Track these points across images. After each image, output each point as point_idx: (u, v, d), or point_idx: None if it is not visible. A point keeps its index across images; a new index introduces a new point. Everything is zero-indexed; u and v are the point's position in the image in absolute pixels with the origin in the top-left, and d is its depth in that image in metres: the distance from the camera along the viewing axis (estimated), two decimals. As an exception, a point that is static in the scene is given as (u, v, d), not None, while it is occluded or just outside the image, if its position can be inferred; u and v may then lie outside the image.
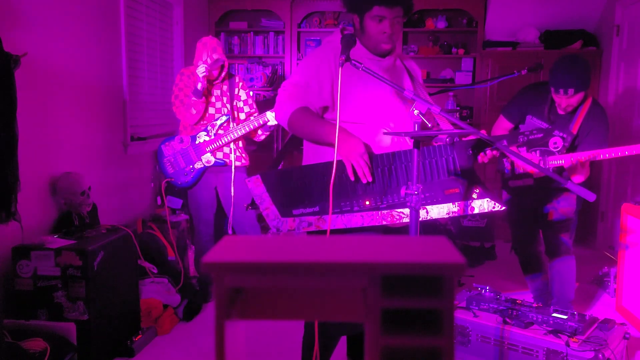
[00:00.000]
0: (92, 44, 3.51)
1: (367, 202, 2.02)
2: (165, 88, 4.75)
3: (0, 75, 2.43)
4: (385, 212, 2.02)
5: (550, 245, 3.26)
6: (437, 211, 2.04)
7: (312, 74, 2.10)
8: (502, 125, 3.25)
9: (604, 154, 2.85)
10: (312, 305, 0.94)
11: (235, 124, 3.54)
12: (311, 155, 2.20)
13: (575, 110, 3.01)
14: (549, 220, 3.21)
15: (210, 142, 3.52)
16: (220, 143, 3.52)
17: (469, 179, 2.03)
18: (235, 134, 3.50)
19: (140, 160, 4.22)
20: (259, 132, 3.62)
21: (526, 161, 1.89)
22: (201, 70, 3.35)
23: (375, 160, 2.01)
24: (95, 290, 2.66)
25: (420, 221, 1.94)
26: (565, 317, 2.43)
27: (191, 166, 3.56)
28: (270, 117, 3.44)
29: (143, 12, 4.28)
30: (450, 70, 5.71)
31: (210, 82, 3.51)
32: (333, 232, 2.02)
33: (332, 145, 2.01)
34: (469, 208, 2.04)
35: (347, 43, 1.94)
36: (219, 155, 3.55)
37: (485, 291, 2.71)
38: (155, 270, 3.48)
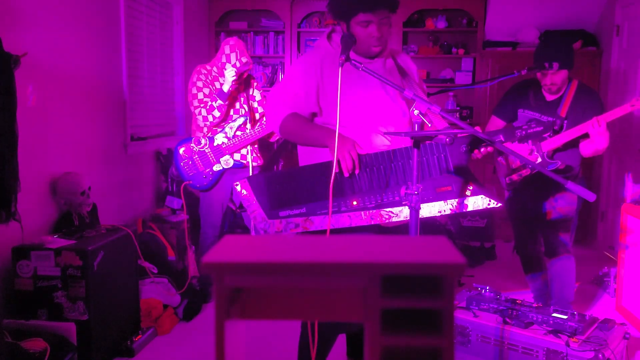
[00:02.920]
0: (92, 44, 3.51)
1: (355, 202, 2.01)
2: (166, 88, 4.75)
3: (0, 75, 2.43)
4: (373, 211, 2.01)
5: (549, 245, 3.26)
6: (429, 209, 2.02)
7: (298, 82, 2.13)
8: (495, 124, 3.27)
9: (592, 123, 2.85)
10: (312, 305, 0.94)
11: (250, 125, 3.54)
12: (306, 157, 2.21)
13: (562, 95, 3.05)
14: (548, 220, 3.21)
15: (230, 144, 3.49)
16: (240, 144, 3.49)
17: (463, 176, 2.02)
18: (255, 135, 3.49)
19: (140, 160, 4.22)
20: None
21: (522, 159, 1.89)
22: (231, 73, 3.33)
23: (363, 159, 2.00)
24: (95, 290, 2.66)
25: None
26: (565, 317, 2.43)
27: (209, 169, 3.53)
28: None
29: (143, 12, 4.28)
30: (450, 70, 5.71)
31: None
32: (320, 233, 2.03)
33: (324, 147, 2.03)
34: (463, 206, 2.02)
35: (347, 43, 1.95)
36: (237, 156, 3.54)
37: (485, 291, 2.71)
38: (155, 270, 3.47)
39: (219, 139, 3.50)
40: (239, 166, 3.55)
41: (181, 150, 3.56)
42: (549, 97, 3.08)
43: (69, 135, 3.26)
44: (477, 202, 2.01)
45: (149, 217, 4.12)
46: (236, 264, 0.89)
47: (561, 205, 3.17)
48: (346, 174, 1.98)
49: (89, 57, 3.48)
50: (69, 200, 3.05)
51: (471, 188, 2.01)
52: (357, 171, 1.98)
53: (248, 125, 3.52)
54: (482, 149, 2.02)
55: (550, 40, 3.00)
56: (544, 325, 2.44)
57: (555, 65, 2.90)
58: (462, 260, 0.87)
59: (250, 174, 3.50)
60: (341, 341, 2.71)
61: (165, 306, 3.34)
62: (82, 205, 3.09)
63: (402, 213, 2.01)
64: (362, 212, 2.01)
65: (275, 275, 0.90)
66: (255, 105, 3.67)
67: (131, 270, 3.08)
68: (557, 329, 2.40)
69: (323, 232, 2.02)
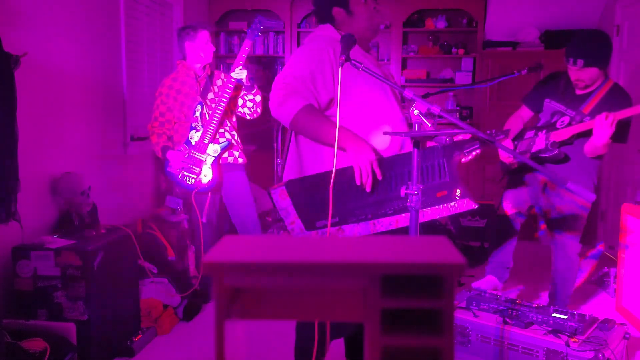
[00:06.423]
0: (92, 44, 3.51)
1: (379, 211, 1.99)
2: (165, 88, 4.74)
3: (0, 75, 2.43)
4: (392, 217, 2.00)
5: (556, 242, 3.25)
6: (430, 214, 2.02)
7: (315, 66, 2.00)
8: (521, 114, 3.28)
9: (600, 117, 2.74)
10: (312, 305, 0.94)
11: (208, 109, 3.46)
12: (310, 156, 2.12)
13: (592, 92, 2.98)
14: (552, 219, 3.21)
15: (204, 134, 3.44)
16: (213, 125, 3.43)
17: (453, 180, 2.03)
18: (219, 111, 3.40)
19: (140, 160, 4.22)
20: (248, 105, 3.51)
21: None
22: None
23: (383, 164, 1.96)
24: (95, 290, 2.66)
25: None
26: (565, 317, 2.43)
27: (204, 167, 3.51)
28: (237, 75, 3.34)
29: (143, 12, 4.28)
30: (450, 70, 5.71)
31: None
32: None
33: (340, 148, 1.94)
34: (452, 208, 2.03)
35: (347, 43, 1.91)
36: (221, 140, 3.48)
37: (485, 291, 2.71)
38: (155, 270, 3.47)
39: (193, 136, 3.44)
40: (227, 145, 3.48)
41: (171, 167, 3.48)
42: (579, 91, 3.02)
43: (69, 135, 3.26)
44: (464, 205, 2.02)
45: (148, 217, 4.12)
46: (236, 264, 0.89)
47: (560, 202, 3.18)
48: (368, 189, 1.92)
49: (89, 57, 3.48)
50: (69, 200, 3.05)
51: (459, 192, 2.01)
52: (368, 189, 1.93)
53: (205, 109, 3.45)
54: (472, 153, 2.00)
55: (581, 35, 2.91)
56: (544, 325, 2.44)
57: (580, 62, 2.82)
58: (462, 260, 0.87)
59: (241, 170, 3.50)
60: (339, 342, 2.70)
61: (165, 306, 3.34)
62: (82, 205, 3.09)
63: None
64: (384, 219, 1.98)
65: (275, 275, 0.90)
66: (216, 89, 3.57)
67: (131, 270, 3.08)
68: (557, 329, 2.40)
69: None
